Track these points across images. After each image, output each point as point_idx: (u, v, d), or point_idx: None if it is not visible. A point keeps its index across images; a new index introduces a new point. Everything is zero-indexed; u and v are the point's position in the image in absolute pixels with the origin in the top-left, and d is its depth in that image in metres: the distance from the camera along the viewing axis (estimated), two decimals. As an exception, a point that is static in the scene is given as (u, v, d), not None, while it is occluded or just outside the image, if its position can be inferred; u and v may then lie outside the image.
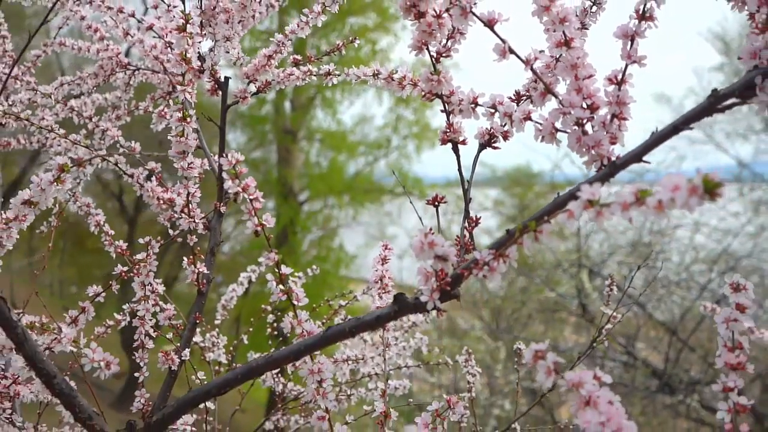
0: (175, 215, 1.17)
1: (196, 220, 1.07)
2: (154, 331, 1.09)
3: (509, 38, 0.75)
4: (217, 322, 1.61)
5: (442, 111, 0.83)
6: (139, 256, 1.07)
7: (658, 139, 0.64)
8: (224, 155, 0.73)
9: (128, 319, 1.29)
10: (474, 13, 0.71)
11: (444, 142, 0.83)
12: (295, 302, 0.80)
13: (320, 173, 11.49)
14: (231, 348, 1.54)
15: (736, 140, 8.66)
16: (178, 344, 1.10)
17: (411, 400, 1.39)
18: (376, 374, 1.37)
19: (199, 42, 1.09)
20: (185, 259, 1.13)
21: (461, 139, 0.82)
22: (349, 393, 1.38)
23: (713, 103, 0.63)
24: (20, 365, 0.88)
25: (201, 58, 1.09)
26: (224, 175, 0.75)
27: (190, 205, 1.07)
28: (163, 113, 1.35)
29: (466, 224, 0.81)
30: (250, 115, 10.75)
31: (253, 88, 1.15)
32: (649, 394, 6.27)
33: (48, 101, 1.29)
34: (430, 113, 10.92)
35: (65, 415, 1.27)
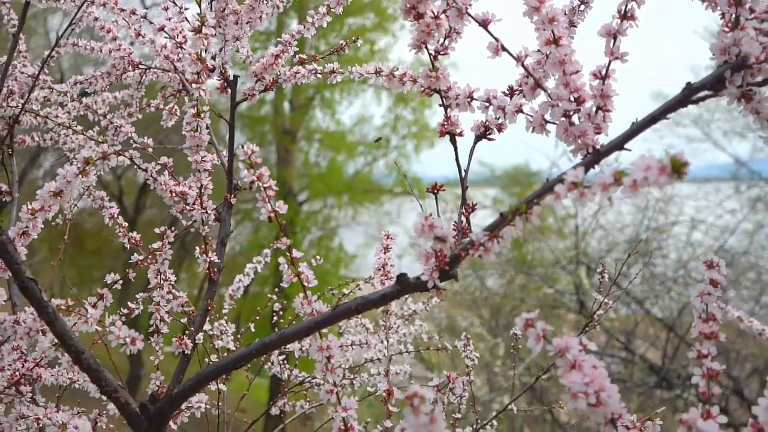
0: (187, 207, 1.24)
1: (209, 211, 1.13)
2: (169, 317, 1.15)
3: (504, 37, 0.81)
4: (224, 311, 1.67)
5: (440, 105, 0.89)
6: (154, 245, 1.13)
7: (637, 128, 0.70)
8: (241, 146, 0.79)
9: (140, 308, 1.35)
10: (469, 14, 0.77)
11: (442, 134, 0.89)
12: (306, 284, 0.86)
13: (319, 173, 11.55)
14: (239, 336, 1.60)
15: (734, 138, 8.73)
16: (191, 329, 1.16)
17: (411, 381, 1.45)
18: (378, 359, 1.43)
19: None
20: (197, 248, 1.19)
21: (458, 131, 0.88)
22: (352, 378, 1.44)
23: (687, 95, 0.69)
24: (47, 345, 0.94)
25: (212, 57, 1.15)
26: (240, 164, 0.81)
27: (203, 197, 1.13)
28: (173, 111, 1.41)
29: (464, 210, 0.87)
30: (249, 116, 10.81)
31: (260, 86, 1.21)
32: (647, 389, 6.34)
33: (65, 99, 1.35)
34: (428, 113, 10.98)
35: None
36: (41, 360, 1.10)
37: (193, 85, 0.98)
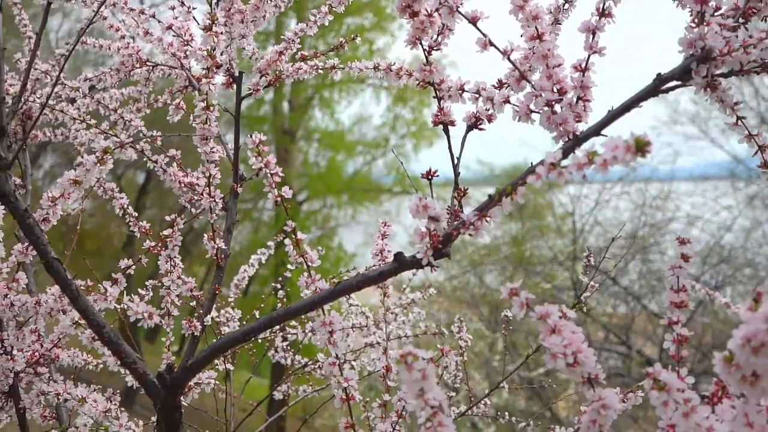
0: (195, 197, 1.30)
1: (216, 200, 1.20)
2: (179, 301, 1.21)
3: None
4: (230, 300, 1.74)
5: (434, 97, 0.96)
6: (165, 232, 1.19)
7: (612, 116, 0.77)
8: (249, 135, 0.85)
9: (151, 294, 1.41)
10: (459, 12, 0.84)
11: (435, 123, 0.95)
12: (310, 263, 0.93)
13: (319, 173, 11.61)
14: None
15: (731, 136, 8.79)
16: (199, 312, 1.23)
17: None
18: (378, 343, 1.49)
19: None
20: (205, 235, 1.25)
21: (451, 120, 0.95)
22: (353, 361, 1.50)
23: (657, 85, 0.75)
24: (68, 323, 1.00)
25: (220, 54, 1.21)
26: (248, 152, 0.88)
27: (211, 186, 1.20)
28: (179, 106, 1.47)
29: (455, 194, 0.93)
30: (248, 116, 10.87)
31: (265, 81, 1.28)
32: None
33: (76, 94, 1.42)
34: (427, 112, 11.04)
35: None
36: (59, 341, 1.17)
37: (203, 80, 1.05)
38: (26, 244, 1.09)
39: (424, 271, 0.88)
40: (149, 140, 1.33)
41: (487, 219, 0.80)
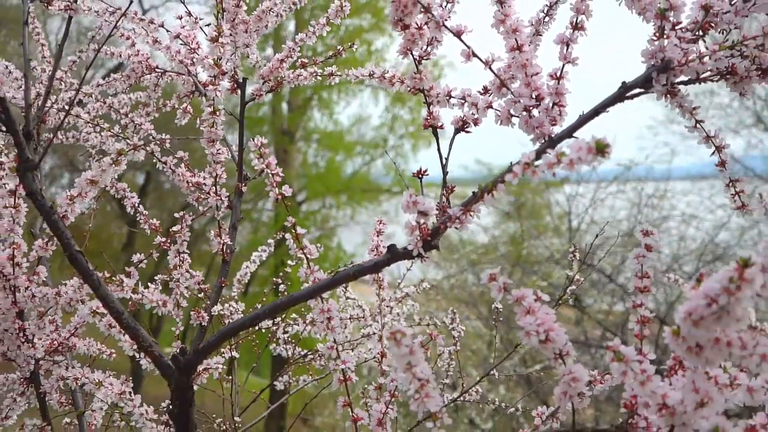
0: (202, 196, 1.38)
1: (222, 198, 1.28)
2: (188, 293, 1.30)
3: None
4: (234, 294, 1.82)
5: (424, 103, 1.04)
6: (174, 228, 1.28)
7: (582, 120, 0.85)
8: (251, 139, 0.93)
9: (160, 288, 1.50)
10: (446, 26, 0.92)
11: (425, 127, 1.04)
12: (309, 255, 1.01)
13: (318, 173, 11.69)
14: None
15: (728, 135, 8.90)
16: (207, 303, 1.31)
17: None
18: (373, 334, 1.57)
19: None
20: (212, 232, 1.34)
21: (439, 124, 1.03)
22: (350, 350, 1.59)
23: (623, 92, 0.84)
24: (86, 312, 1.09)
25: (225, 62, 1.30)
26: (251, 154, 0.96)
27: (217, 185, 1.28)
28: (186, 110, 1.56)
29: (444, 191, 1.02)
30: (248, 117, 10.93)
31: (267, 87, 1.36)
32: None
33: (89, 99, 1.50)
34: (426, 113, 11.11)
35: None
36: (76, 330, 1.25)
37: (210, 87, 1.13)
38: (46, 239, 1.18)
39: (421, 269, 0.97)
40: (159, 143, 1.42)
41: (471, 213, 0.89)
